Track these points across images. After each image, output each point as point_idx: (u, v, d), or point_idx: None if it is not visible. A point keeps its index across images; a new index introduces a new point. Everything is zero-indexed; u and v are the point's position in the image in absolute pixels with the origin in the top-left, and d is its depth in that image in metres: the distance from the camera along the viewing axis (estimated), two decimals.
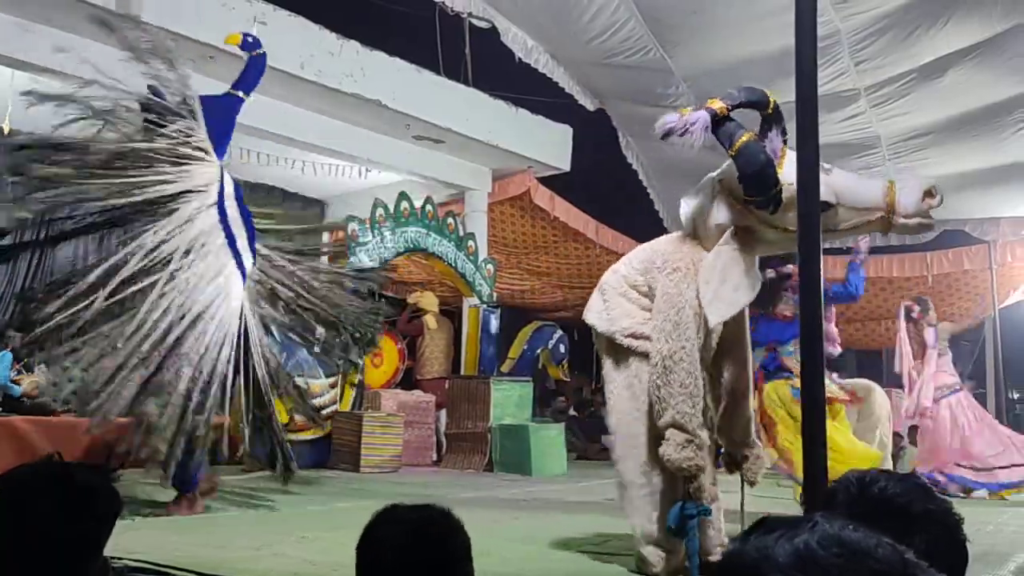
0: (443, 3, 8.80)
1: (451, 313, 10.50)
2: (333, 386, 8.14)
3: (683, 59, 8.97)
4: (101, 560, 1.37)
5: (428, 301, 9.91)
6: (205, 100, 5.23)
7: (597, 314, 3.53)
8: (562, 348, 10.94)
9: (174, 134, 4.80)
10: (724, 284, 3.24)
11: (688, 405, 3.17)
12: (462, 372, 9.59)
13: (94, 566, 1.33)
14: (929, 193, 3.10)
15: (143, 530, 3.81)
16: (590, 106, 10.41)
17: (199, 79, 7.57)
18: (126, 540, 3.43)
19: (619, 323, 3.43)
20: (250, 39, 5.44)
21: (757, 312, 5.25)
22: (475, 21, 9.22)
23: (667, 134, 3.26)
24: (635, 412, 3.36)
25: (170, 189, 4.61)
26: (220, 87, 7.70)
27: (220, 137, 5.19)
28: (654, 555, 3.29)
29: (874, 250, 12.31)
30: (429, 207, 9.43)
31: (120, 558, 3.05)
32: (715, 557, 3.29)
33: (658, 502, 3.31)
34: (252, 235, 4.97)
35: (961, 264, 12.05)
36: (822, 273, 2.71)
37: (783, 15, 6.30)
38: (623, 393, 3.41)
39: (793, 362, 5.26)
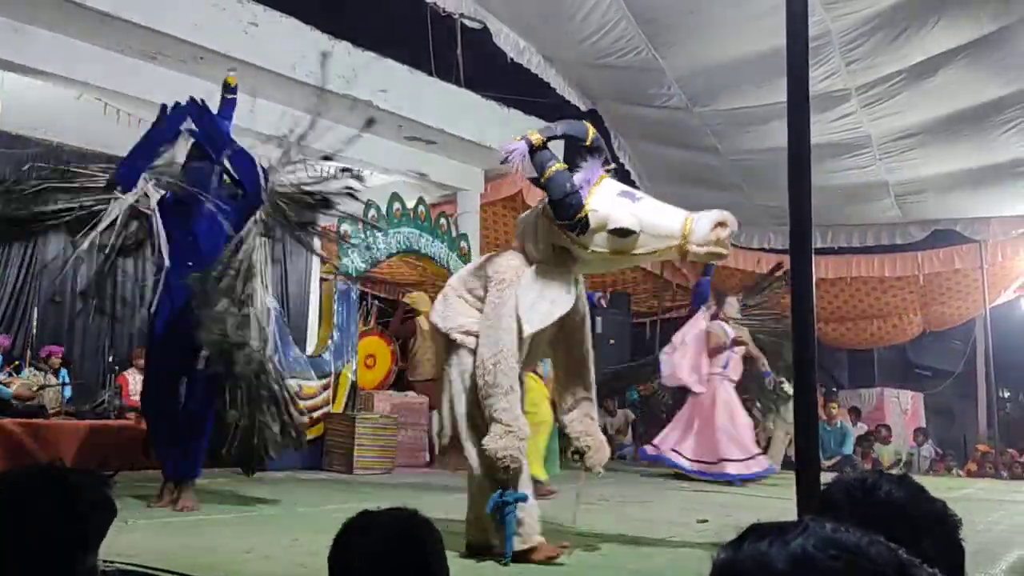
0: (435, 4, 8.80)
1: None
2: (326, 387, 8.12)
3: (675, 59, 8.99)
4: (91, 564, 1.36)
5: (422, 302, 9.89)
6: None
7: (438, 314, 3.90)
8: None
9: None
10: (541, 298, 3.64)
11: (505, 402, 3.53)
12: None
13: (82, 569, 1.32)
14: (721, 224, 3.37)
15: (135, 532, 3.79)
16: (582, 107, 10.42)
17: (190, 80, 7.57)
18: (118, 542, 3.42)
19: (456, 321, 3.78)
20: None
21: None
22: (467, 22, 9.21)
23: (504, 160, 3.76)
24: (465, 401, 3.73)
25: None
26: (211, 88, 7.70)
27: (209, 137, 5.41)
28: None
29: (866, 250, 12.41)
30: (421, 208, 9.41)
31: (112, 561, 3.04)
32: (527, 544, 3.54)
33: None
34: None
35: (952, 263, 12.09)
36: (813, 275, 2.72)
37: (774, 16, 6.30)
38: (457, 384, 3.76)
39: None
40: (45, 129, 8.46)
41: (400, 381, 9.93)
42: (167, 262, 5.02)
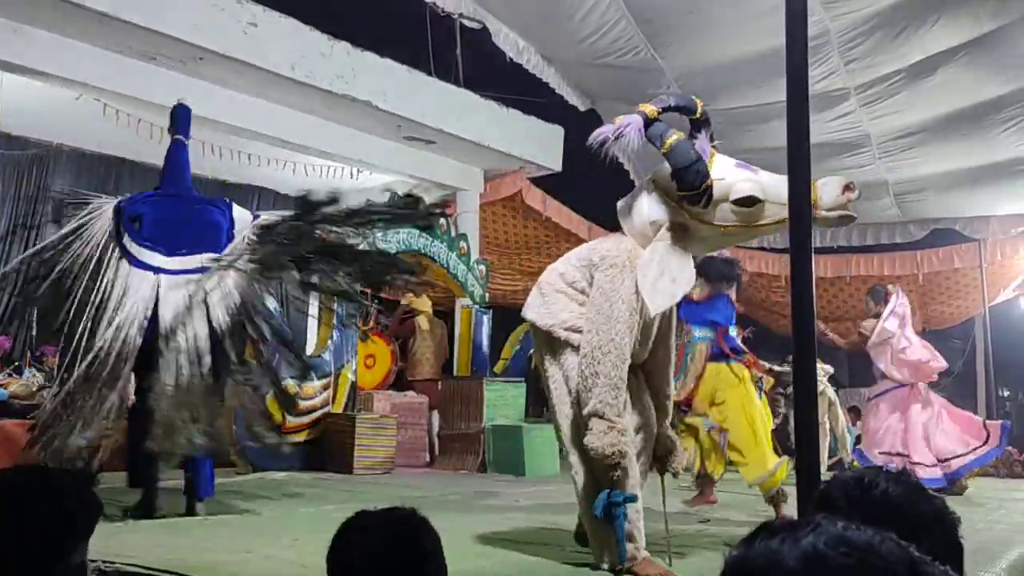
0: (434, 4, 8.79)
1: (443, 314, 10.48)
2: (325, 388, 8.12)
3: (674, 59, 8.99)
4: (79, 560, 1.37)
5: (421, 302, 9.89)
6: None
7: (536, 310, 3.64)
8: None
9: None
10: (662, 277, 3.35)
11: (611, 395, 3.25)
12: (455, 373, 9.59)
13: (69, 564, 1.32)
14: (848, 187, 3.26)
15: (132, 533, 3.79)
16: (581, 106, 10.42)
17: (188, 80, 7.58)
18: (115, 543, 3.42)
19: (558, 317, 3.52)
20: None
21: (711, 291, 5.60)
22: (466, 22, 9.21)
23: (603, 143, 3.46)
24: (571, 403, 3.46)
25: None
26: (209, 88, 7.71)
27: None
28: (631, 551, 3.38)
29: (865, 249, 12.42)
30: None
31: (111, 561, 3.04)
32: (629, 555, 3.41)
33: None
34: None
35: (951, 262, 12.10)
36: (813, 269, 2.73)
37: (773, 15, 6.31)
38: (562, 386, 3.51)
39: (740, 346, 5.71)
40: (44, 130, 8.47)
41: (400, 381, 9.94)
42: None
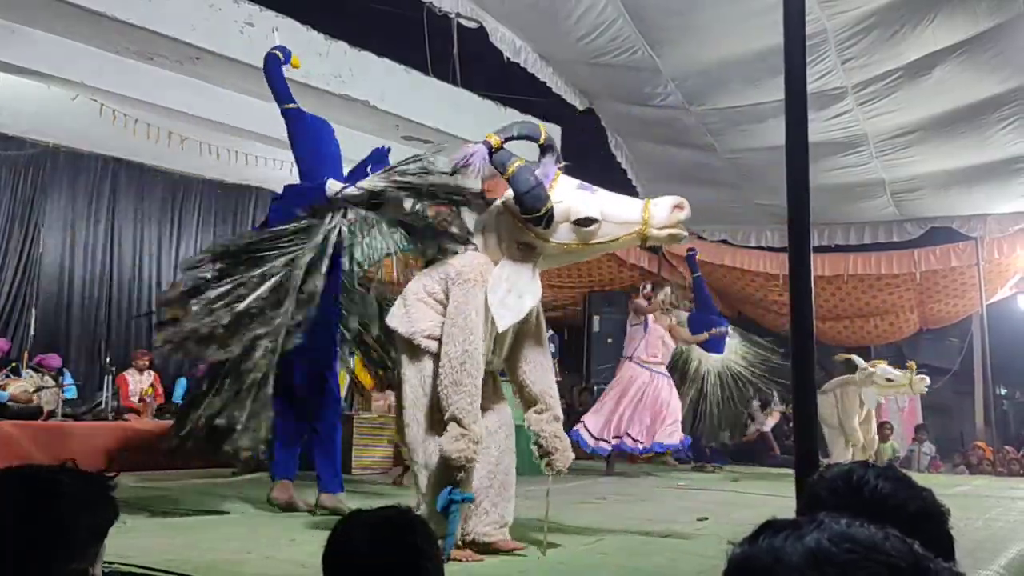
0: (431, 3, 8.78)
1: None
2: None
3: (671, 59, 8.99)
4: (80, 568, 1.36)
5: None
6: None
7: (399, 318, 3.88)
8: (552, 348, 10.91)
9: None
10: (510, 293, 3.67)
11: (467, 402, 3.55)
12: None
13: (64, 571, 1.32)
14: (678, 207, 3.54)
15: (132, 533, 3.79)
16: (579, 106, 10.41)
17: (185, 80, 7.58)
18: (115, 543, 3.40)
19: (418, 325, 3.78)
20: (286, 51, 5.53)
21: None
22: (463, 21, 9.20)
23: (455, 168, 3.83)
24: (424, 405, 3.75)
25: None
26: (205, 88, 7.71)
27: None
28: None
29: (862, 247, 12.43)
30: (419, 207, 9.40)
31: (110, 562, 3.03)
32: (489, 539, 3.71)
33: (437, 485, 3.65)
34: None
35: (949, 261, 12.10)
36: (811, 273, 2.73)
37: (770, 14, 6.31)
38: (417, 389, 3.77)
39: None
40: (41, 130, 8.46)
41: None
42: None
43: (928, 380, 9.33)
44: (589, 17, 8.52)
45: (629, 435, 8.03)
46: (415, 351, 3.79)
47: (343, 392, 8.37)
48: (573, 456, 4.00)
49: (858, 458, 8.37)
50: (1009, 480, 9.88)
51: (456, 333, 3.62)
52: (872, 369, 9.06)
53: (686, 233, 3.64)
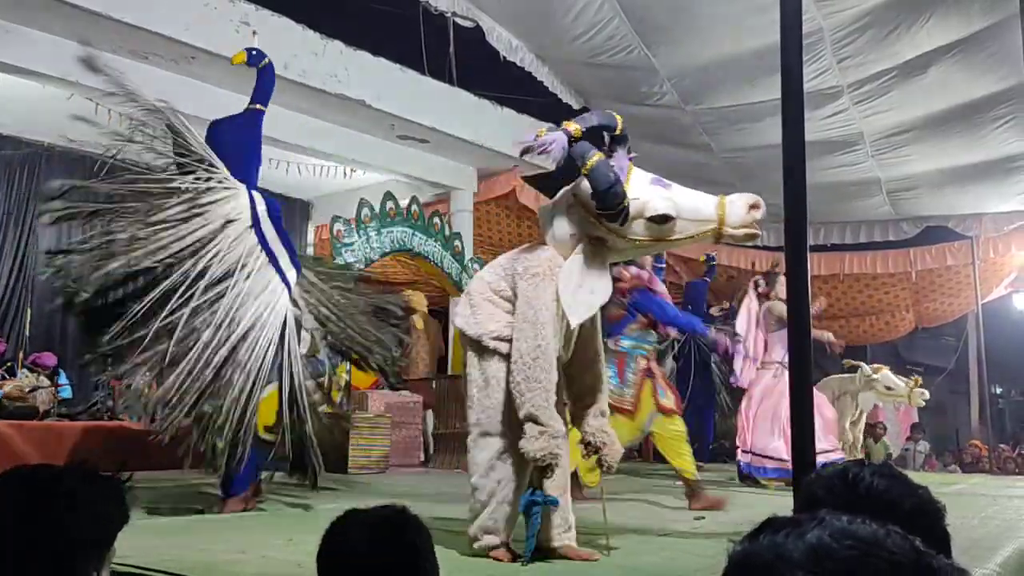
0: (427, 2, 8.79)
1: (438, 313, 10.48)
2: (320, 387, 8.09)
3: (667, 58, 8.99)
4: (83, 571, 1.34)
5: (417, 301, 9.89)
6: (221, 123, 5.41)
7: (465, 319, 3.78)
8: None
9: (200, 173, 4.96)
10: (581, 288, 3.54)
11: (542, 399, 3.43)
12: (449, 372, 9.58)
13: (62, 571, 1.31)
14: (754, 206, 3.42)
15: (128, 532, 3.78)
16: (575, 105, 10.41)
17: (181, 80, 7.56)
18: None
19: (486, 326, 3.68)
20: (254, 52, 5.54)
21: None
22: (459, 20, 9.20)
23: (525, 151, 3.65)
24: (491, 408, 3.63)
25: (208, 229, 4.76)
26: (202, 88, 7.70)
27: (249, 154, 5.43)
28: (490, 540, 3.58)
29: (858, 247, 12.45)
30: (415, 207, 9.41)
31: None
32: (556, 543, 3.61)
33: (502, 492, 3.57)
34: (292, 252, 5.17)
35: (944, 260, 12.14)
36: (809, 272, 2.73)
37: (766, 14, 6.32)
38: (483, 391, 3.67)
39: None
40: (36, 130, 8.44)
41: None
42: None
43: (927, 394, 9.17)
44: (585, 16, 8.52)
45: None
46: (483, 352, 3.68)
47: (339, 393, 8.39)
48: (623, 451, 3.90)
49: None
50: (1004, 479, 9.90)
51: (527, 329, 3.50)
52: (875, 376, 9.01)
53: (761, 232, 3.53)
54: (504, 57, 9.47)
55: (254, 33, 6.25)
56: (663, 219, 3.49)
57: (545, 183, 10.84)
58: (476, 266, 10.11)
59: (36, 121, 8.11)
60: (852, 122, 9.48)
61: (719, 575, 0.83)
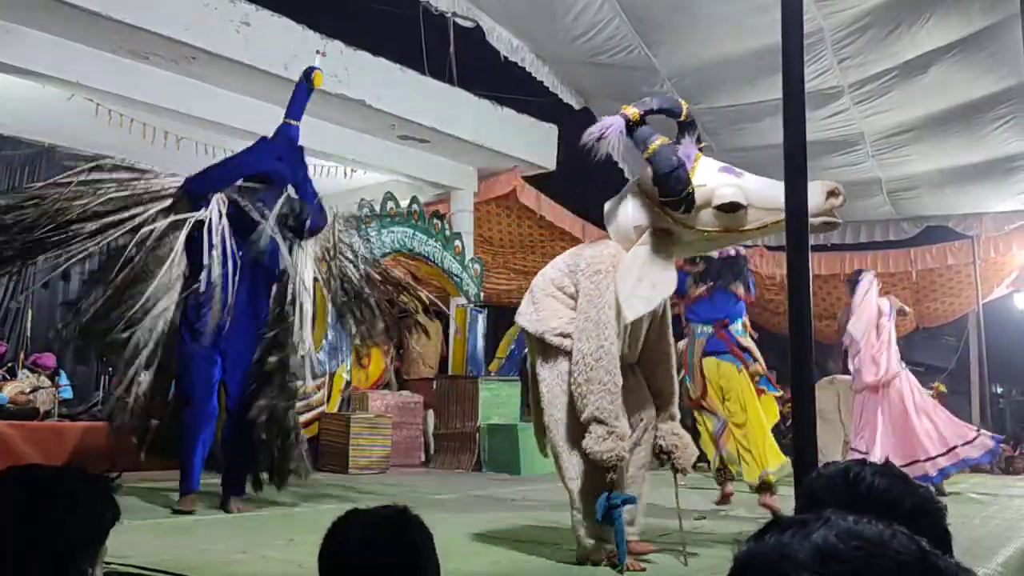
0: (428, 3, 8.78)
1: (438, 313, 10.46)
2: (320, 387, 8.10)
3: (667, 58, 8.99)
4: (82, 571, 1.35)
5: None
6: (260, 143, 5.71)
7: (527, 316, 3.67)
8: None
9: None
10: (641, 282, 3.38)
11: (607, 400, 3.31)
12: (450, 372, 9.58)
13: (61, 570, 1.31)
14: (832, 193, 3.27)
15: (129, 533, 3.78)
16: (575, 105, 10.41)
17: (181, 80, 7.56)
18: (112, 543, 3.39)
19: (548, 323, 3.56)
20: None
21: (711, 288, 5.67)
22: (460, 20, 9.20)
23: (584, 143, 3.49)
24: (564, 404, 3.50)
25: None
26: (202, 88, 7.70)
27: (290, 164, 5.64)
28: (597, 546, 3.46)
29: (859, 246, 12.44)
30: (415, 207, 9.41)
31: (108, 562, 3.02)
32: (633, 538, 3.51)
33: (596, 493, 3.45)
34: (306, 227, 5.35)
35: (945, 259, 12.13)
36: (810, 267, 2.73)
37: (766, 13, 6.32)
38: (555, 390, 3.54)
39: (743, 342, 5.66)
40: (36, 130, 8.44)
41: (395, 380, 9.93)
42: (214, 279, 4.98)
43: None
44: (586, 16, 8.52)
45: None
46: (548, 349, 3.57)
47: (339, 393, 8.40)
48: (696, 453, 3.78)
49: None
50: (1005, 478, 9.89)
51: (589, 328, 3.38)
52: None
53: (840, 220, 3.36)
54: (504, 57, 9.46)
55: (245, 24, 6.32)
56: (732, 207, 3.31)
57: (545, 183, 10.85)
58: (476, 266, 10.11)
59: (36, 121, 8.10)
60: (852, 122, 9.47)
61: (723, 575, 0.83)
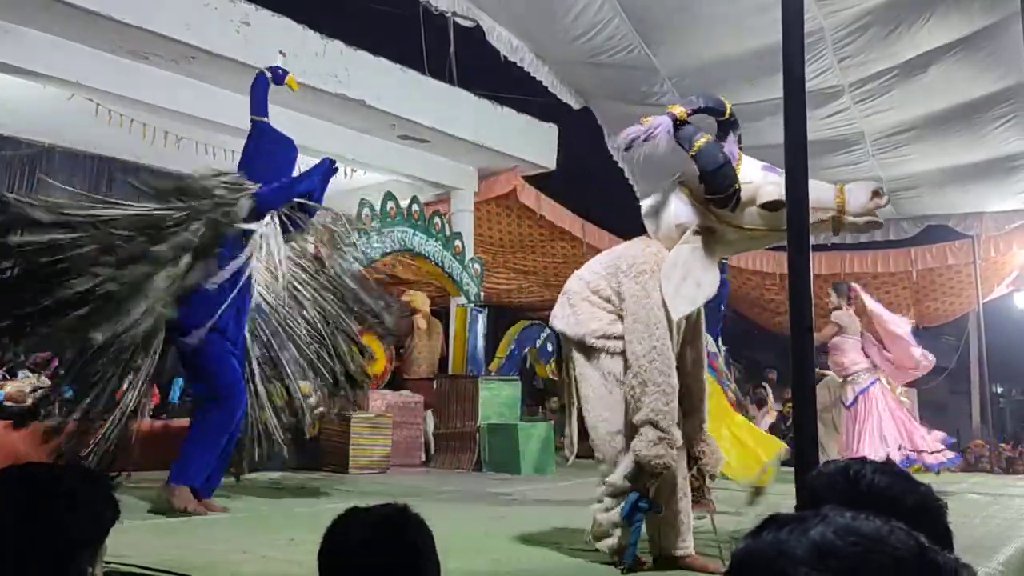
0: (427, 2, 8.78)
1: (438, 313, 10.47)
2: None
3: (667, 57, 8.99)
4: (81, 569, 1.35)
5: (420, 301, 9.88)
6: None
7: (564, 320, 3.63)
8: (549, 347, 10.94)
9: None
10: (685, 281, 3.36)
11: (662, 402, 3.26)
12: (450, 372, 9.57)
13: (61, 570, 1.31)
14: (876, 193, 3.27)
15: (129, 532, 3.78)
16: (575, 105, 10.41)
17: (181, 80, 7.56)
18: (113, 543, 3.39)
19: (587, 326, 3.52)
20: (279, 71, 5.54)
21: None
22: (460, 20, 9.20)
23: (631, 144, 3.45)
24: (616, 405, 3.45)
25: None
26: (202, 87, 7.70)
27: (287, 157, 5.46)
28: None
29: (859, 246, 12.45)
30: (415, 207, 9.40)
31: (108, 562, 3.02)
32: (679, 552, 3.45)
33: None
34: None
35: (945, 259, 12.13)
36: (811, 271, 2.73)
37: (766, 13, 6.32)
38: (600, 388, 3.50)
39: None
40: (36, 130, 8.44)
41: (395, 380, 9.93)
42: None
43: None
44: (586, 16, 8.52)
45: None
46: (589, 351, 3.53)
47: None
48: (724, 458, 3.74)
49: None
50: (1006, 478, 9.90)
51: (640, 329, 3.34)
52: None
53: (883, 220, 3.37)
54: (504, 57, 9.46)
55: (245, 24, 6.30)
56: (776, 205, 3.25)
57: (545, 183, 10.86)
58: (476, 266, 10.10)
59: (36, 121, 8.10)
60: (853, 121, 9.47)
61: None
